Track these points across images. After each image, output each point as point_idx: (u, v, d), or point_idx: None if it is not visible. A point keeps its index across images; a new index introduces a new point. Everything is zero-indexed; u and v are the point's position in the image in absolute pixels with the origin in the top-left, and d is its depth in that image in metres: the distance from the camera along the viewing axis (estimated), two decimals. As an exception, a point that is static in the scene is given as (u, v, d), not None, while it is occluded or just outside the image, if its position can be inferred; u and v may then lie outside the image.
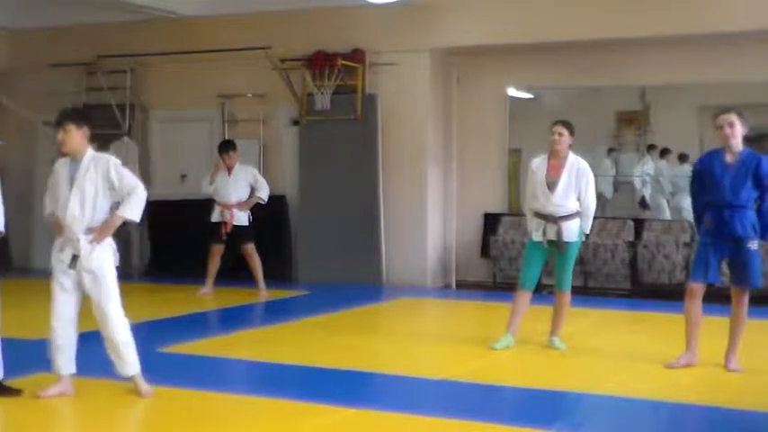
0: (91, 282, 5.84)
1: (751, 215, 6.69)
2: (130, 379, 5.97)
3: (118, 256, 6.00)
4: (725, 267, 6.97)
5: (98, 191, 5.82)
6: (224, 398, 6.04)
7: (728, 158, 6.75)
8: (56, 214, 5.95)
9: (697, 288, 6.87)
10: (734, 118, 6.72)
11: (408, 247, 11.79)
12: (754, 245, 6.69)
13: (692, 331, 6.93)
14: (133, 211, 5.86)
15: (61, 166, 5.96)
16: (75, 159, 5.89)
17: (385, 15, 11.62)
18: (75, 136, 5.86)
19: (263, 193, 10.82)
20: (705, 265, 6.81)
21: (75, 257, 5.83)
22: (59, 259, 5.90)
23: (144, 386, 5.96)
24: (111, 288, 5.89)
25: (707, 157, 6.98)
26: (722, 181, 6.72)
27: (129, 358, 5.92)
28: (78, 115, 6.01)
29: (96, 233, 5.83)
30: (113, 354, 5.92)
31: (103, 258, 5.86)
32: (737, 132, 6.72)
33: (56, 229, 5.98)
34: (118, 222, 5.89)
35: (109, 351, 5.94)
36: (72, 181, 5.85)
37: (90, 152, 5.92)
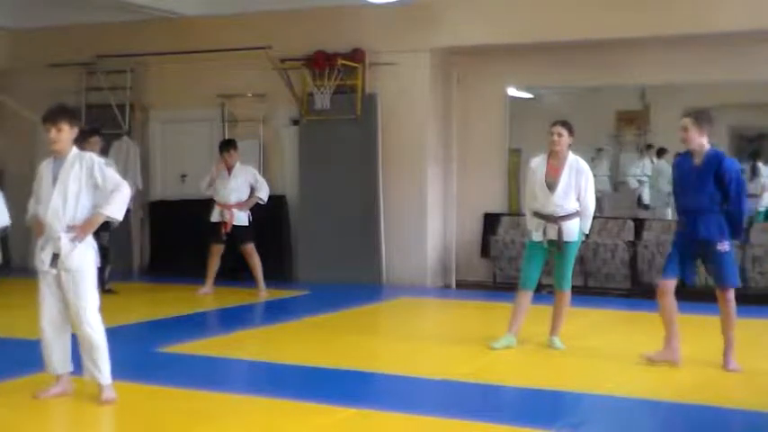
0: (68, 280, 5.75)
1: (716, 217, 6.70)
2: (100, 386, 5.81)
3: (98, 256, 5.93)
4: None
5: (81, 188, 5.76)
6: (224, 398, 6.04)
7: (696, 161, 6.80)
8: (37, 216, 5.88)
9: (664, 284, 6.89)
10: (687, 122, 6.75)
11: (408, 247, 11.78)
12: (723, 246, 6.70)
13: (668, 328, 6.92)
14: (115, 208, 5.79)
15: (45, 167, 5.91)
16: (59, 158, 5.84)
17: (385, 15, 11.62)
18: (69, 135, 5.80)
19: (263, 194, 10.81)
20: (674, 263, 6.87)
21: (55, 256, 5.76)
22: (40, 259, 5.83)
23: (107, 395, 5.80)
24: (89, 288, 5.80)
25: (680, 158, 7.06)
26: (687, 184, 6.83)
27: (101, 364, 5.78)
28: (72, 114, 5.93)
29: (78, 231, 5.76)
30: (87, 358, 5.79)
31: (84, 257, 5.79)
32: (692, 136, 6.73)
33: (36, 230, 5.91)
34: (100, 220, 5.83)
35: (83, 355, 5.81)
36: (55, 179, 5.79)
37: (74, 150, 5.86)
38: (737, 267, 6.86)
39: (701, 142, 6.74)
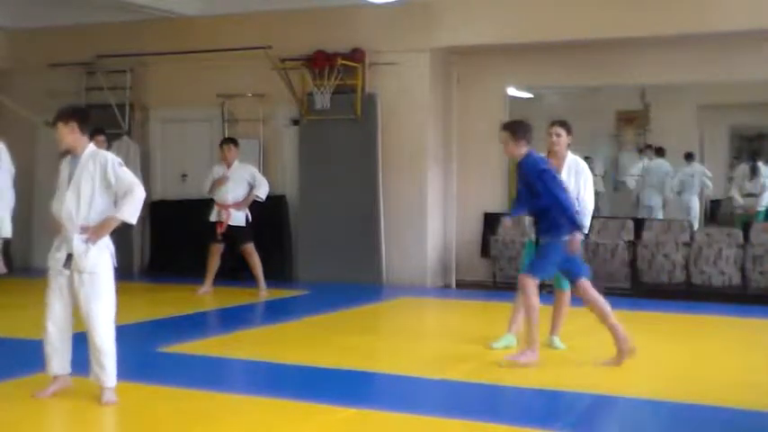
0: (82, 282, 5.71)
1: (550, 215, 6.87)
2: (103, 388, 5.79)
3: (115, 257, 5.88)
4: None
5: (95, 188, 5.72)
6: (224, 398, 6.04)
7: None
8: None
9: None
10: (504, 136, 7.07)
11: (408, 247, 11.78)
12: (544, 239, 6.96)
13: (613, 333, 7.08)
14: (128, 212, 5.71)
15: (64, 166, 5.90)
16: (75, 156, 5.82)
17: (385, 15, 11.63)
18: (64, 132, 5.77)
19: (262, 191, 10.79)
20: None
21: (69, 256, 5.73)
22: (55, 259, 5.80)
23: (108, 397, 5.77)
24: (104, 290, 5.75)
25: None
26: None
27: (108, 367, 5.75)
28: (67, 112, 5.88)
29: (91, 233, 5.71)
30: (94, 359, 5.76)
31: (99, 259, 5.74)
32: (510, 149, 7.01)
33: (56, 228, 5.88)
34: (114, 224, 5.76)
35: (90, 356, 5.78)
36: (70, 178, 5.77)
37: (90, 148, 5.83)
38: (548, 265, 7.01)
39: (521, 153, 6.98)
